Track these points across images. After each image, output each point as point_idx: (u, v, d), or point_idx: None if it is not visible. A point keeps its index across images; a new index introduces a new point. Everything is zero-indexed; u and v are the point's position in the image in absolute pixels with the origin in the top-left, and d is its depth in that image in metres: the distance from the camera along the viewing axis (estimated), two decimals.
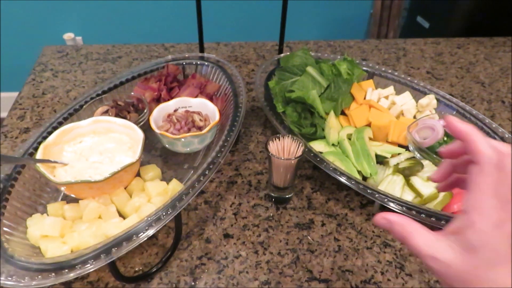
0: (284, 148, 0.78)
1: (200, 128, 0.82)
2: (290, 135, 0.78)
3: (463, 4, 1.82)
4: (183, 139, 0.78)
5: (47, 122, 0.82)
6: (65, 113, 0.85)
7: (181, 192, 0.66)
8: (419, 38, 1.51)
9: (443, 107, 0.93)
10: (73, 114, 0.86)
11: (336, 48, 1.41)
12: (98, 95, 0.90)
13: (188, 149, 0.82)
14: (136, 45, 1.36)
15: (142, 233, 0.59)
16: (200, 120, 0.83)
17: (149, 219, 0.61)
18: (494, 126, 0.87)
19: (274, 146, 0.78)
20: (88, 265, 0.56)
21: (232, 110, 0.87)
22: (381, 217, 0.37)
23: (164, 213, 0.62)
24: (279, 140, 0.78)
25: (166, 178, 0.78)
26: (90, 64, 1.24)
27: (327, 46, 1.42)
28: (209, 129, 0.79)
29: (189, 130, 0.81)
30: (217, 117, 0.82)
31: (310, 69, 0.94)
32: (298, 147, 0.77)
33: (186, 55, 1.03)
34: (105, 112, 0.87)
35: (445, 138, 0.85)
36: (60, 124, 0.83)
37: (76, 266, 0.56)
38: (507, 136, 0.86)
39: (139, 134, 0.75)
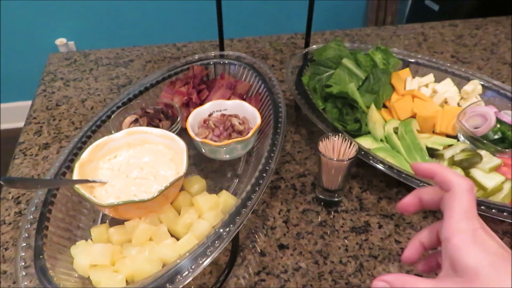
0: (334, 148, 0.73)
1: (240, 133, 0.77)
2: (340, 134, 0.72)
3: None
4: (225, 146, 0.73)
5: (75, 138, 0.76)
6: (93, 126, 0.78)
7: (238, 205, 0.61)
8: (428, 21, 1.47)
9: (489, 92, 0.89)
10: (101, 126, 0.79)
11: (354, 37, 1.36)
12: (123, 103, 0.84)
13: (230, 156, 0.76)
14: (147, 46, 1.29)
15: (205, 256, 0.54)
16: (240, 124, 0.77)
17: (209, 239, 0.56)
18: None
19: (324, 146, 0.72)
20: None
21: (270, 109, 0.82)
22: (379, 280, 0.37)
23: (224, 231, 0.57)
24: (328, 139, 0.73)
25: (209, 190, 0.72)
26: (101, 70, 1.17)
27: (344, 35, 1.37)
28: (252, 133, 0.74)
29: (229, 136, 0.76)
30: (258, 119, 0.76)
31: (346, 61, 0.89)
32: (350, 147, 0.72)
33: (212, 54, 0.97)
34: (134, 122, 0.81)
35: (498, 125, 0.81)
36: (89, 138, 0.76)
37: None
38: None
39: (181, 145, 0.69)
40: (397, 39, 1.35)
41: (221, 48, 1.06)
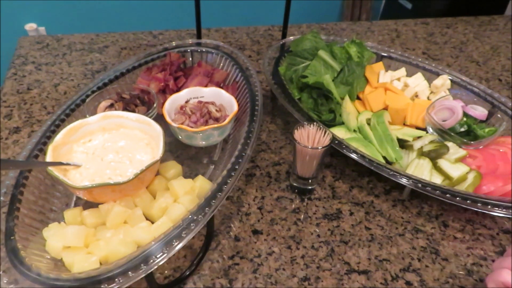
0: (309, 137, 0.75)
1: (217, 120, 0.77)
2: (315, 123, 0.74)
3: None
4: (202, 132, 0.73)
5: (48, 121, 0.74)
6: (67, 109, 0.77)
7: (213, 189, 0.61)
8: (400, 18, 1.51)
9: (457, 87, 0.92)
10: (75, 110, 0.78)
11: (330, 31, 1.38)
12: (99, 88, 0.83)
13: (207, 142, 0.77)
14: (122, 33, 1.27)
15: (180, 238, 0.54)
16: (217, 111, 0.78)
17: (184, 221, 0.56)
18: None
19: (299, 135, 0.74)
20: (127, 277, 0.51)
21: (247, 97, 0.82)
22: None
23: (200, 214, 0.57)
24: (303, 128, 0.75)
25: (185, 176, 0.73)
26: (75, 55, 1.15)
27: (320, 29, 1.39)
28: (229, 120, 0.74)
29: (206, 122, 0.76)
30: (235, 106, 0.77)
31: (322, 53, 0.90)
32: (324, 136, 0.74)
33: (189, 42, 0.96)
34: (110, 107, 0.80)
35: (465, 119, 0.84)
36: (62, 121, 0.75)
37: (116, 279, 0.50)
38: None
39: (157, 130, 0.69)
40: (371, 35, 1.38)
41: (198, 36, 1.05)
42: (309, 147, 0.71)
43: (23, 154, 0.68)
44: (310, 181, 0.78)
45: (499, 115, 0.85)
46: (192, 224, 0.56)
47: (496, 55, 1.31)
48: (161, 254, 0.53)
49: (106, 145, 0.69)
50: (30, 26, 2.45)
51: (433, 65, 0.96)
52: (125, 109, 0.78)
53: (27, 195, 0.63)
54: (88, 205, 0.65)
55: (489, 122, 0.87)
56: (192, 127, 0.75)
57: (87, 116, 0.75)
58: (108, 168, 0.65)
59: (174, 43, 0.95)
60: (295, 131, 0.73)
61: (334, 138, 0.77)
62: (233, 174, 0.64)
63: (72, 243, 0.57)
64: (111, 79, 0.86)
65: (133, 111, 0.79)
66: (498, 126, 0.83)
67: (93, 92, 0.81)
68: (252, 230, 0.73)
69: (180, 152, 0.82)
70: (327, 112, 0.85)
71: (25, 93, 0.99)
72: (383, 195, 0.81)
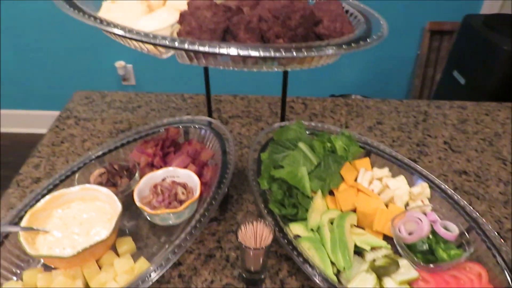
0: (257, 233, 0.78)
1: (181, 202, 0.85)
2: (262, 220, 0.78)
3: (501, 63, 1.70)
4: (159, 215, 0.81)
5: (45, 183, 0.89)
6: (63, 176, 0.91)
7: (143, 273, 0.69)
8: (454, 93, 1.45)
9: (437, 198, 0.88)
10: (70, 176, 0.92)
11: (353, 108, 1.39)
12: (97, 157, 0.96)
13: (165, 223, 0.85)
14: (157, 94, 1.42)
15: None
16: (183, 193, 0.86)
17: None
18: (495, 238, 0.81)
19: (246, 231, 0.78)
20: None
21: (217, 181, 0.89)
22: None
23: None
24: (253, 225, 0.79)
25: (142, 249, 0.81)
26: (110, 113, 1.32)
27: (344, 105, 1.40)
28: (185, 206, 0.81)
29: (169, 204, 0.84)
30: (197, 193, 0.84)
31: (301, 145, 0.94)
32: (270, 233, 0.77)
33: (187, 118, 1.06)
34: (100, 176, 0.92)
35: (430, 237, 0.81)
36: (56, 186, 0.89)
37: None
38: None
39: (118, 207, 0.79)
40: (395, 116, 1.35)
41: (209, 112, 1.15)
42: (251, 248, 0.75)
43: (12, 214, 0.82)
44: (257, 273, 0.81)
45: (471, 237, 0.80)
46: None
47: None
48: None
49: (76, 215, 0.81)
50: (119, 64, 2.80)
51: (418, 168, 0.93)
52: (108, 180, 0.90)
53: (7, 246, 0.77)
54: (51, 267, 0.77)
55: (462, 243, 0.81)
56: (155, 206, 0.84)
57: (76, 183, 0.88)
58: (67, 238, 0.76)
59: (165, 120, 1.06)
60: (242, 227, 0.78)
61: (284, 235, 0.79)
62: (169, 257, 0.71)
63: None
64: (111, 149, 0.99)
65: (116, 182, 0.90)
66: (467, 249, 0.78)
67: (90, 160, 0.94)
68: None
69: (157, 225, 0.90)
70: (291, 206, 0.88)
71: (57, 146, 1.17)
72: None
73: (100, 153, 0.97)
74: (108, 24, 0.67)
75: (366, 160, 0.97)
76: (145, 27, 0.76)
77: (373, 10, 0.75)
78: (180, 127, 1.04)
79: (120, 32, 0.66)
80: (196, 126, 1.05)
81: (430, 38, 2.74)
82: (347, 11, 0.78)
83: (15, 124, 2.95)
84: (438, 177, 1.09)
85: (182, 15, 0.66)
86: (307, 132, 1.03)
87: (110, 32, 0.68)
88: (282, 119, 1.10)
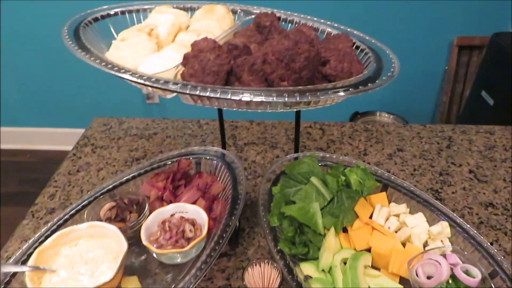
0: (264, 275, 0.76)
1: (188, 240, 0.83)
2: (270, 262, 0.75)
3: None
4: (165, 254, 0.80)
5: (55, 218, 0.89)
6: (73, 210, 0.91)
7: None
8: (482, 114, 1.39)
9: (459, 237, 0.83)
10: (81, 210, 0.92)
11: (373, 133, 1.34)
12: (109, 190, 0.96)
13: (172, 262, 0.83)
14: (174, 120, 1.42)
15: None
16: (190, 231, 0.84)
17: None
18: None
19: (253, 273, 0.75)
20: None
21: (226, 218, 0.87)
22: None
23: None
24: (260, 266, 0.76)
25: (150, 286, 0.80)
26: (127, 140, 1.33)
27: (363, 130, 1.36)
28: (192, 246, 0.80)
29: (176, 242, 0.83)
30: (204, 231, 0.82)
31: (314, 180, 0.91)
32: (278, 276, 0.75)
33: (200, 148, 1.05)
34: (110, 210, 0.92)
35: (450, 281, 0.75)
36: (66, 222, 0.89)
37: None
38: None
39: (124, 246, 0.78)
40: (417, 142, 1.30)
41: (223, 142, 1.13)
42: None
43: (22, 251, 0.82)
44: None
45: (496, 283, 0.74)
46: None
47: None
48: None
49: (82, 254, 0.80)
50: None
51: (438, 205, 0.88)
52: (117, 215, 0.89)
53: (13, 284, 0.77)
54: None
55: None
56: (163, 245, 0.82)
57: (85, 217, 0.88)
58: (72, 279, 0.75)
59: (174, 152, 1.04)
60: (249, 269, 0.75)
61: (293, 277, 0.76)
62: None
63: None
64: (122, 182, 0.98)
65: (125, 217, 0.90)
66: None
67: (102, 194, 0.94)
68: None
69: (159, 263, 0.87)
70: (301, 245, 0.84)
71: (73, 175, 1.19)
72: None
73: (111, 186, 0.97)
74: (113, 67, 0.67)
75: (383, 195, 0.93)
76: (152, 66, 0.76)
77: (385, 46, 0.71)
78: (191, 158, 1.02)
79: (126, 76, 0.65)
80: (208, 158, 1.03)
81: (459, 53, 2.65)
82: (357, 47, 0.75)
83: (44, 142, 3.03)
84: (462, 209, 1.04)
85: (186, 58, 0.65)
86: (321, 164, 0.99)
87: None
88: (296, 150, 1.08)
